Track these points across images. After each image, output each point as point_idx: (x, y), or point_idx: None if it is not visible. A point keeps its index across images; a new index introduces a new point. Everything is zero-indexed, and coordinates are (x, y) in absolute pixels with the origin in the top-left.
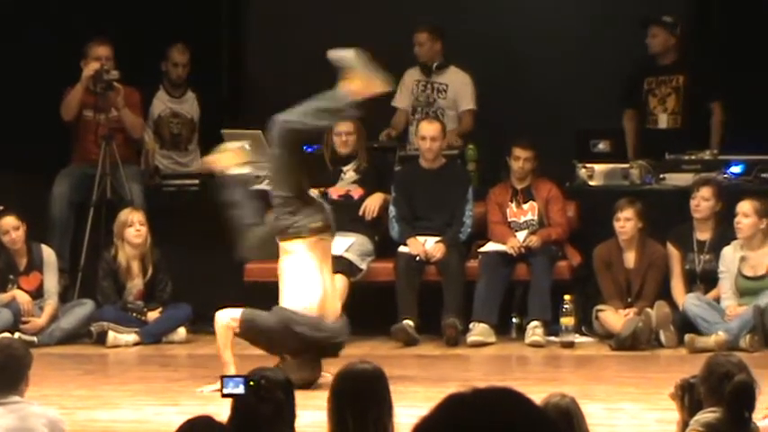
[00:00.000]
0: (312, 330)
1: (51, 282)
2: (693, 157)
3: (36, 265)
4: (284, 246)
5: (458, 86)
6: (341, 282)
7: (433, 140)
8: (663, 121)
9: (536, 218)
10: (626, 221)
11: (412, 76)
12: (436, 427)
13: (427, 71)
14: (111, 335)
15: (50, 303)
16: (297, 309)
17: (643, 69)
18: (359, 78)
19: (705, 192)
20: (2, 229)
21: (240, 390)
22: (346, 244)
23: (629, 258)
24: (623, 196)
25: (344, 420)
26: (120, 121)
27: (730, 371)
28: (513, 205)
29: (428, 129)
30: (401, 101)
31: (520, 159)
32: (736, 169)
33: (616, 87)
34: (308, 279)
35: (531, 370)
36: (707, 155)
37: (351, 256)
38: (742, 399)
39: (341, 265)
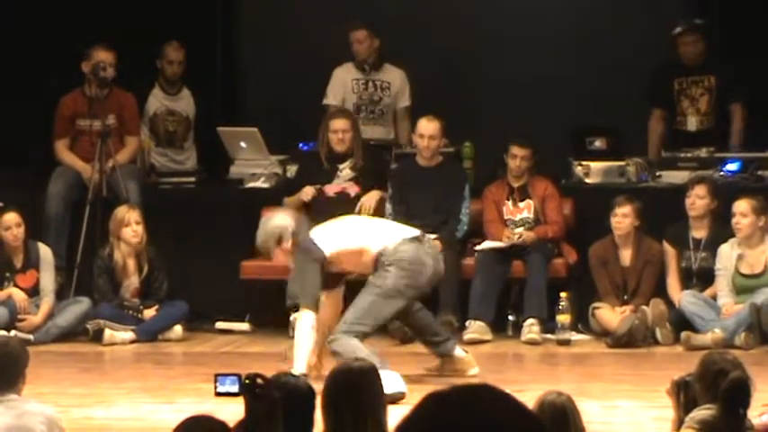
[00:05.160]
0: None
1: (48, 280)
2: (689, 155)
3: (33, 263)
4: None
5: (399, 84)
6: None
7: (432, 138)
8: (692, 124)
9: (532, 216)
10: (623, 217)
11: (346, 73)
12: (417, 426)
13: (364, 69)
14: (108, 333)
15: (47, 301)
16: None
17: (672, 69)
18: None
19: (700, 190)
20: (3, 225)
21: (235, 389)
22: None
23: (625, 256)
24: (619, 194)
25: (340, 417)
26: (114, 123)
27: (725, 368)
28: (510, 203)
29: (427, 127)
30: (333, 98)
31: (517, 158)
32: (732, 167)
33: (613, 84)
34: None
35: (528, 368)
36: (703, 152)
37: None
38: (737, 396)
39: None
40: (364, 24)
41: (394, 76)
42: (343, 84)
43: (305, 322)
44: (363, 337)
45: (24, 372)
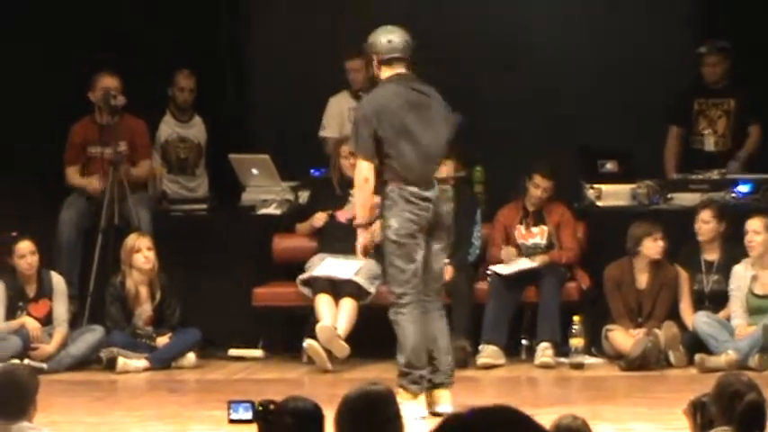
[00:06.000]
0: None
1: (61, 309)
2: (701, 177)
3: (46, 292)
4: None
5: None
6: (350, 305)
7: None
8: (710, 144)
9: (544, 242)
10: (662, 241)
11: (342, 103)
12: None
13: (360, 97)
14: (121, 361)
15: (60, 330)
16: None
17: (694, 89)
18: None
19: (705, 215)
20: (18, 253)
21: (248, 415)
22: (355, 267)
23: (641, 279)
24: (631, 217)
25: None
26: (126, 150)
27: (740, 390)
28: (522, 227)
29: None
30: (331, 130)
31: (539, 188)
32: (743, 188)
33: (624, 107)
34: None
35: (541, 391)
36: (714, 174)
37: (360, 279)
38: (753, 418)
39: (350, 288)
40: (359, 53)
41: None
42: (339, 113)
43: (361, 173)
44: (415, 295)
45: (35, 399)
